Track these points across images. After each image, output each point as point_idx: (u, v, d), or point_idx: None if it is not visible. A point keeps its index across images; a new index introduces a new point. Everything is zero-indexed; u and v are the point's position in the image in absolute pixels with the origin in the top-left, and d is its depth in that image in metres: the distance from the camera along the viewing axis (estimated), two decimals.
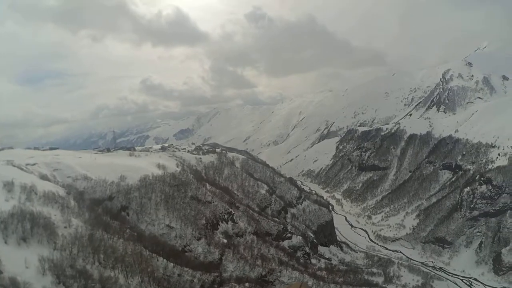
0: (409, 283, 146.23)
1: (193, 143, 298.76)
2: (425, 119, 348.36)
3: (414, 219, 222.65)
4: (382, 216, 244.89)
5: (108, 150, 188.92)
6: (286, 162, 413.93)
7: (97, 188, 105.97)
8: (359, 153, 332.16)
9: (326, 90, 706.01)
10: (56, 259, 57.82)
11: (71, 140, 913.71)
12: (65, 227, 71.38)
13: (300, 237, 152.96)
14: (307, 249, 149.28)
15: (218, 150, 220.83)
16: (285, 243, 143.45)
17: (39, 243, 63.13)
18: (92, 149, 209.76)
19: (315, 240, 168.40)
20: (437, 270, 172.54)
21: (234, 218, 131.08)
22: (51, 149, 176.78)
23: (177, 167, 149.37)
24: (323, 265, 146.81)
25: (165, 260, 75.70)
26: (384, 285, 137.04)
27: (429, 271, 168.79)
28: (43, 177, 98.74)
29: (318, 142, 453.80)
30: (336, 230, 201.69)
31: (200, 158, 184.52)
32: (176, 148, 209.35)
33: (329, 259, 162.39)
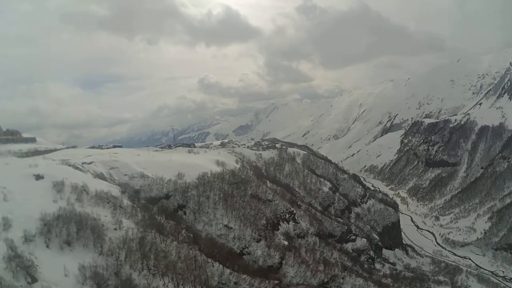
0: None
1: (252, 139, 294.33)
2: (497, 108, 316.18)
3: (486, 222, 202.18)
4: (451, 218, 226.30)
5: (170, 147, 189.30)
6: (347, 157, 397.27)
7: (153, 186, 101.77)
8: (426, 147, 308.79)
9: (386, 80, 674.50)
10: (100, 265, 52.30)
11: (135, 138, 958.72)
12: (115, 229, 66.35)
13: (365, 240, 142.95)
14: (371, 253, 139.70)
15: (278, 145, 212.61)
16: (349, 246, 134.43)
17: (84, 247, 58.26)
18: (155, 146, 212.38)
19: (379, 243, 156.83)
20: (508, 282, 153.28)
21: (296, 218, 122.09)
22: (114, 147, 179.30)
23: (237, 163, 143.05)
24: (387, 271, 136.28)
25: (221, 265, 68.21)
26: None
27: (499, 281, 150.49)
28: (99, 176, 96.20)
29: (381, 136, 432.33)
30: (401, 232, 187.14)
31: (260, 154, 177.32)
32: (236, 144, 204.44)
33: (393, 264, 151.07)
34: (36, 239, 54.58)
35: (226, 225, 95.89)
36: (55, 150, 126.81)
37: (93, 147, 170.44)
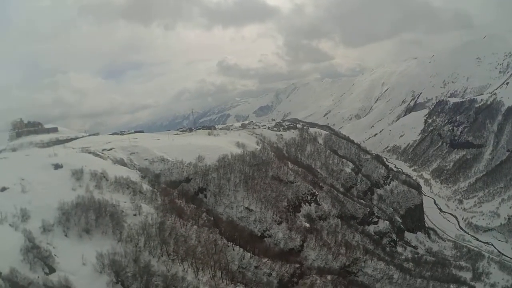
0: (498, 283, 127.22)
1: (273, 119, 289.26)
2: None
3: (510, 208, 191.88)
4: (474, 202, 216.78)
5: (190, 130, 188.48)
6: (369, 137, 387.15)
7: (173, 170, 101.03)
8: (450, 128, 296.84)
9: (409, 58, 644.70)
10: (118, 253, 51.88)
11: (157, 122, 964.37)
12: (134, 215, 65.98)
13: (387, 222, 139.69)
14: (393, 235, 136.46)
15: (299, 125, 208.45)
16: (371, 228, 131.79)
17: (103, 234, 58.20)
18: (176, 129, 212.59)
19: (402, 226, 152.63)
20: None
21: (318, 199, 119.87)
22: (135, 132, 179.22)
23: (257, 145, 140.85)
24: (409, 255, 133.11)
25: (241, 249, 67.11)
26: (471, 283, 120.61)
27: None
28: (119, 162, 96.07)
29: (404, 115, 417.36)
30: (424, 215, 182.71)
31: (281, 134, 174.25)
32: (256, 125, 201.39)
33: (415, 247, 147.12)
34: (54, 229, 54.82)
35: (247, 208, 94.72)
36: (76, 138, 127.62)
37: (114, 134, 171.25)
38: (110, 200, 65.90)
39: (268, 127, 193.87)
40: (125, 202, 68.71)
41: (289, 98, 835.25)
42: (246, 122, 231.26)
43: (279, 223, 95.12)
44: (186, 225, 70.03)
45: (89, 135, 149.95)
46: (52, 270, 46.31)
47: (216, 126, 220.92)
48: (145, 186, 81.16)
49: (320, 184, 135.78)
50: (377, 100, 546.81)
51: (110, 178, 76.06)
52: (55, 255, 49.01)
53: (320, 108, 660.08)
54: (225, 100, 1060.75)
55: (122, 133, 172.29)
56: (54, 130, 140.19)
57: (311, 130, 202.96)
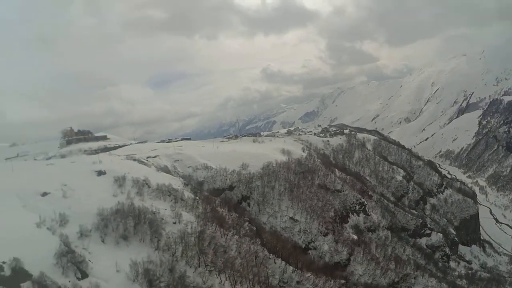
0: None
1: (319, 125, 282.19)
2: None
3: None
4: None
5: (236, 137, 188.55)
6: (420, 142, 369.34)
7: (217, 177, 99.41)
8: (506, 129, 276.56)
9: (458, 55, 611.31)
10: (154, 261, 49.95)
11: (205, 130, 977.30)
12: (174, 223, 63.99)
13: (441, 235, 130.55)
14: (447, 249, 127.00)
15: (346, 131, 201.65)
16: (423, 241, 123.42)
17: (141, 241, 56.48)
18: (222, 136, 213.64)
19: (456, 238, 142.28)
20: None
21: (367, 209, 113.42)
22: (182, 139, 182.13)
23: (303, 151, 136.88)
24: (462, 271, 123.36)
25: (283, 262, 62.97)
26: None
27: None
28: (162, 169, 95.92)
29: (456, 117, 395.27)
30: (480, 226, 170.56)
31: (328, 140, 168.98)
32: (302, 131, 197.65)
33: (469, 262, 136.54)
34: (92, 234, 53.84)
35: (291, 218, 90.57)
36: (124, 146, 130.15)
37: (162, 141, 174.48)
38: (150, 207, 64.48)
39: (314, 133, 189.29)
40: (165, 209, 67.12)
41: (335, 103, 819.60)
42: (292, 128, 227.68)
43: (325, 235, 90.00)
44: (227, 235, 67.03)
45: (137, 143, 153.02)
46: (84, 275, 45.06)
47: (261, 133, 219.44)
48: (187, 194, 79.65)
49: (369, 193, 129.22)
50: (427, 101, 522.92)
51: (152, 185, 75.12)
52: (90, 261, 47.84)
53: (367, 112, 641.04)
54: (271, 107, 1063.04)
55: (169, 141, 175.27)
56: (103, 138, 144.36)
57: (359, 135, 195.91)
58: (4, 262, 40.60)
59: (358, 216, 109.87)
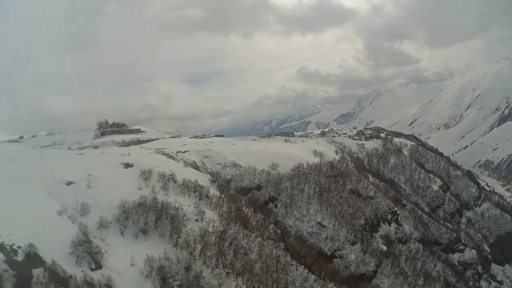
0: None
1: (354, 128, 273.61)
2: None
3: None
4: None
5: (269, 135, 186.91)
6: (459, 150, 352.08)
7: (245, 176, 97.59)
8: None
9: (501, 58, 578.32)
10: (171, 258, 48.67)
11: (239, 127, 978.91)
12: (196, 220, 62.46)
13: (474, 251, 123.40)
14: (479, 268, 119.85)
15: (382, 135, 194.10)
16: (455, 257, 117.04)
17: (160, 237, 55.30)
18: (256, 135, 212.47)
19: (489, 256, 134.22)
20: None
21: (399, 219, 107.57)
22: (216, 136, 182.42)
23: (336, 154, 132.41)
24: None
25: (306, 270, 59.89)
26: None
27: None
28: (191, 165, 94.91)
29: (498, 125, 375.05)
30: None
31: (362, 144, 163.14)
32: (336, 133, 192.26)
33: (500, 283, 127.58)
34: (111, 226, 53.26)
35: (319, 223, 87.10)
36: (157, 139, 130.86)
37: (196, 137, 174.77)
38: (173, 202, 63.25)
39: (349, 136, 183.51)
40: (189, 206, 65.71)
41: (372, 105, 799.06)
42: (326, 129, 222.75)
43: (353, 243, 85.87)
44: (249, 236, 64.71)
45: (170, 137, 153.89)
46: (99, 266, 44.54)
47: (294, 133, 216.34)
48: (213, 191, 78.00)
49: (403, 202, 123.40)
50: (467, 107, 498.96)
51: (178, 180, 73.90)
52: (106, 252, 47.42)
53: (405, 116, 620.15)
54: (306, 106, 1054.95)
55: (202, 136, 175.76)
56: (137, 131, 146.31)
57: (396, 140, 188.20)
58: (19, 247, 40.36)
59: (390, 225, 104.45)
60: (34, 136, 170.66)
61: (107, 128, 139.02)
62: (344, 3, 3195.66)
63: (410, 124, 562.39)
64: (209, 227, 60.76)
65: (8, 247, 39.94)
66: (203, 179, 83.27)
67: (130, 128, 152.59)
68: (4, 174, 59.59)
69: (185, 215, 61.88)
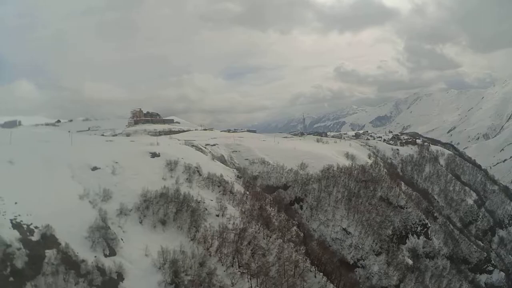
0: None
1: (390, 131, 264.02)
2: None
3: None
4: None
5: (302, 134, 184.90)
6: (497, 163, 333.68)
7: (272, 174, 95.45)
8: None
9: None
10: (185, 252, 47.85)
11: (272, 124, 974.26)
12: (217, 215, 61.45)
13: (503, 274, 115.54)
14: None
15: (418, 141, 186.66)
16: (482, 278, 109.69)
17: (178, 229, 54.67)
18: (288, 132, 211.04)
19: None
20: None
21: (429, 232, 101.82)
22: (248, 131, 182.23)
23: (369, 158, 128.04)
24: None
25: (324, 278, 57.38)
26: None
27: None
28: (219, 159, 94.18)
29: None
30: None
31: (397, 149, 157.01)
32: (371, 136, 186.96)
33: None
34: (131, 214, 53.18)
35: (344, 229, 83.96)
36: (189, 131, 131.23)
37: (228, 131, 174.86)
38: (196, 195, 62.50)
39: (384, 140, 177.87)
40: (211, 200, 64.87)
41: (410, 109, 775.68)
42: (361, 131, 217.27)
43: (378, 254, 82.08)
44: (270, 237, 62.98)
45: (203, 129, 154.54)
46: (113, 253, 44.54)
47: (328, 133, 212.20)
48: (238, 187, 76.68)
49: (435, 214, 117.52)
50: (509, 118, 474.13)
51: (203, 173, 72.88)
52: (122, 239, 47.36)
53: (443, 123, 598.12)
54: (341, 107, 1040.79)
55: (235, 131, 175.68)
56: (170, 121, 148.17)
57: (432, 147, 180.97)
58: (36, 227, 40.72)
59: (418, 238, 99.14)
60: (71, 120, 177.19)
61: (141, 117, 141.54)
62: (385, 2, 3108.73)
63: (448, 132, 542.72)
64: (229, 223, 59.61)
65: (25, 226, 40.33)
66: (229, 174, 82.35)
67: (163, 118, 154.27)
68: (35, 155, 60.69)
69: (206, 209, 61.02)
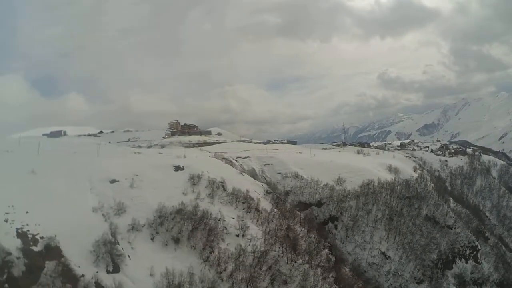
0: None
1: (438, 140, 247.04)
2: None
3: None
4: None
5: (344, 144, 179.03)
6: None
7: (305, 189, 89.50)
8: None
9: None
10: (196, 274, 44.49)
11: (316, 134, 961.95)
12: (237, 236, 57.13)
13: None
14: None
15: (469, 150, 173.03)
16: None
17: (192, 248, 50.92)
18: (331, 143, 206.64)
19: None
20: None
21: (478, 255, 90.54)
22: (288, 142, 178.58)
23: (414, 171, 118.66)
24: None
25: None
26: None
27: None
28: (249, 172, 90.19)
29: None
30: None
31: (446, 161, 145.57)
32: (417, 146, 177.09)
33: None
34: (143, 230, 50.55)
35: (383, 253, 76.36)
36: (224, 142, 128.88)
37: (268, 142, 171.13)
38: (216, 213, 58.63)
39: (431, 150, 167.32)
40: (232, 218, 60.57)
41: (459, 115, 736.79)
42: (407, 141, 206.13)
43: (419, 282, 73.63)
44: (295, 261, 57.42)
45: (241, 141, 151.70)
46: (116, 269, 42.10)
47: (371, 143, 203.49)
48: (265, 204, 71.82)
49: (486, 235, 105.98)
50: None
51: (228, 188, 68.75)
52: (128, 256, 44.69)
53: (494, 129, 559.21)
54: (387, 115, 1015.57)
55: (275, 142, 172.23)
56: (208, 133, 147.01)
57: (484, 157, 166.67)
58: (42, 238, 39.36)
59: (466, 263, 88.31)
60: (113, 132, 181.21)
61: (178, 129, 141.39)
62: (425, 3, 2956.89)
63: (499, 139, 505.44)
64: (249, 245, 54.92)
65: (30, 236, 39.18)
66: (258, 189, 77.67)
67: (202, 130, 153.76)
68: (60, 166, 60.25)
69: (225, 228, 56.93)
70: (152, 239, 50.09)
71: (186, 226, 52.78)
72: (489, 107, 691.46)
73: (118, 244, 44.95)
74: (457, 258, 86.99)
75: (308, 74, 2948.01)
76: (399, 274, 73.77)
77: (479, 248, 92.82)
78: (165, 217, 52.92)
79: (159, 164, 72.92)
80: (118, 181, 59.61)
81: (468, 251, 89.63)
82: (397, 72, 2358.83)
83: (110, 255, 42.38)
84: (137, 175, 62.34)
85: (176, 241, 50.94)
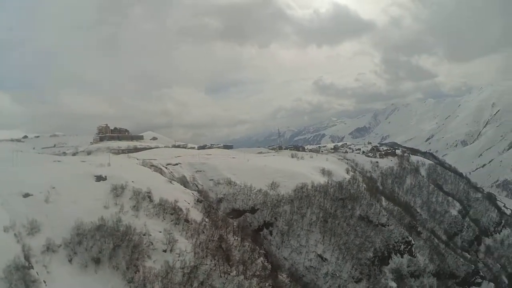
0: None
1: (369, 143, 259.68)
2: None
3: None
4: None
5: (280, 148, 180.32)
6: (476, 168, 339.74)
7: (239, 196, 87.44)
8: None
9: None
10: None
11: (253, 138, 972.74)
12: (164, 251, 53.56)
13: (492, 285, 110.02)
14: None
15: (398, 151, 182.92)
16: None
17: (114, 269, 47.07)
18: (267, 146, 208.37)
19: None
20: None
21: (413, 249, 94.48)
22: (224, 146, 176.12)
23: (347, 173, 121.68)
24: None
25: None
26: None
27: None
28: (180, 180, 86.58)
29: None
30: None
31: (377, 162, 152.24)
32: (350, 148, 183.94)
33: None
34: (59, 251, 46.15)
35: (319, 256, 76.21)
36: (156, 148, 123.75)
37: (204, 146, 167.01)
38: (141, 227, 54.62)
39: (363, 151, 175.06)
40: (159, 232, 56.67)
41: (388, 119, 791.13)
42: (340, 144, 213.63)
43: (358, 281, 74.39)
44: (229, 274, 55.02)
45: (175, 146, 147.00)
46: None
47: (306, 146, 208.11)
48: (195, 214, 67.90)
49: (418, 229, 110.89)
50: (486, 124, 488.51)
51: (155, 199, 64.23)
52: (44, 282, 40.48)
53: (421, 131, 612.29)
54: (321, 119, 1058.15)
55: (211, 146, 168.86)
56: (139, 137, 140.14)
57: (413, 158, 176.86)
58: None
59: (402, 257, 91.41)
60: (38, 136, 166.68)
61: (107, 133, 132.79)
62: (361, 15, 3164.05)
63: (426, 140, 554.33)
64: (177, 260, 51.64)
65: None
66: (188, 198, 73.63)
67: (135, 134, 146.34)
68: None
69: (151, 244, 53.20)
70: (69, 261, 45.88)
71: (107, 244, 48.78)
72: (416, 112, 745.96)
73: (33, 269, 40.94)
74: (393, 254, 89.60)
75: (247, 79, 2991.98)
76: (337, 275, 73.95)
77: (413, 242, 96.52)
78: (83, 235, 48.61)
79: (80, 173, 67.10)
80: (32, 195, 54.00)
81: (402, 246, 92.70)
82: (331, 79, 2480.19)
83: (24, 281, 38.59)
84: (53, 188, 56.80)
85: (97, 261, 46.91)
